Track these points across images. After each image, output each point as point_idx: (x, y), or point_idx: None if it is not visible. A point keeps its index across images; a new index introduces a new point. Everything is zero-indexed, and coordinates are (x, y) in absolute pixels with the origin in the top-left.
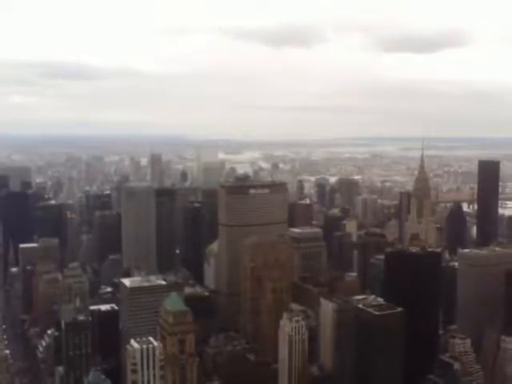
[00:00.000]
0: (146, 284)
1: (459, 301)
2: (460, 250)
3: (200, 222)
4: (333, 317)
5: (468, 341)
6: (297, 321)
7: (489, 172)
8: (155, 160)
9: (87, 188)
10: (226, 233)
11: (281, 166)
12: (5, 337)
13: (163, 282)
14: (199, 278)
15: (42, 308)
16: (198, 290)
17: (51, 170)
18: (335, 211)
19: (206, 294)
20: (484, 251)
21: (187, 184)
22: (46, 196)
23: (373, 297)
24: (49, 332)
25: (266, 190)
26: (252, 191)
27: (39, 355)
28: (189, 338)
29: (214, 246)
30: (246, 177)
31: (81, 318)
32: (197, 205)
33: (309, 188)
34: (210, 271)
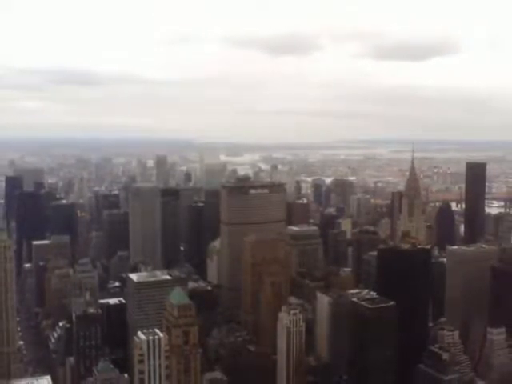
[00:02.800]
0: (152, 279)
1: (448, 294)
2: (449, 247)
3: (203, 220)
4: (328, 310)
5: (456, 332)
6: (294, 314)
7: (476, 173)
8: (161, 162)
9: (96, 188)
10: (227, 230)
11: (279, 167)
12: (19, 328)
13: (168, 277)
14: (202, 274)
15: (54, 301)
16: (201, 284)
17: (62, 171)
18: (331, 210)
19: (209, 288)
20: (471, 248)
21: (191, 184)
22: (58, 196)
23: (366, 291)
24: (60, 324)
25: (266, 191)
26: (252, 191)
27: (51, 346)
28: (192, 329)
29: (217, 243)
30: (246, 178)
31: (91, 310)
32: (200, 204)
33: (306, 188)
34: (212, 267)
